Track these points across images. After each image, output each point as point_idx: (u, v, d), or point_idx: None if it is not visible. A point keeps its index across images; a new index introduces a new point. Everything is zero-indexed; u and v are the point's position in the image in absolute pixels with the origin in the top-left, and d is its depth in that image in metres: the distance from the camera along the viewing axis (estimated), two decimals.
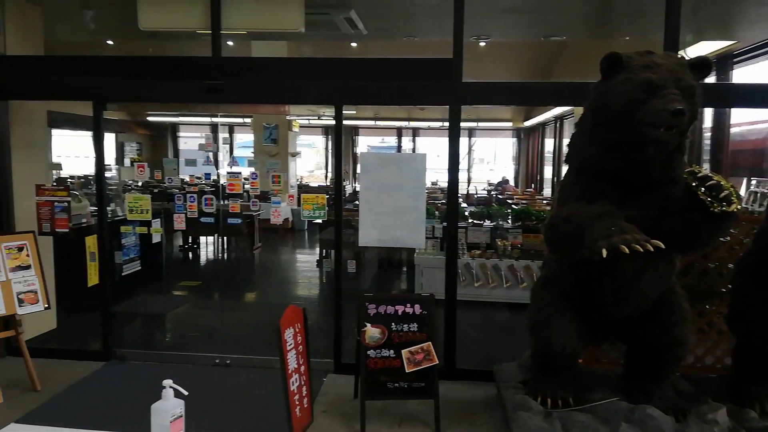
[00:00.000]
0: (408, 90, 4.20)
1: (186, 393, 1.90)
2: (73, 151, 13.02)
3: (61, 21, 5.69)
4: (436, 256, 6.15)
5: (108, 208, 5.00)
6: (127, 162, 13.65)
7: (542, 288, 3.32)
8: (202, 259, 9.10)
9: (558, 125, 12.10)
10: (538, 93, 4.40)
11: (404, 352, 3.44)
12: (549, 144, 13.31)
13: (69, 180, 9.95)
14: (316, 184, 14.82)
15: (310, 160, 19.17)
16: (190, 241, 9.04)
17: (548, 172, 13.36)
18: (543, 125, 13.79)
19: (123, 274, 5.14)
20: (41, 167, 5.12)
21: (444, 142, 4.18)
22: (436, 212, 7.09)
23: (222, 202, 4.81)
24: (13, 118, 4.64)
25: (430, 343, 3.50)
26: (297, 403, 2.69)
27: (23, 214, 4.67)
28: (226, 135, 15.43)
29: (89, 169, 13.52)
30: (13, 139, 4.65)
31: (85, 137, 13.56)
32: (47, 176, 5.31)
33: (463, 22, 4.04)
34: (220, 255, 8.87)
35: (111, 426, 1.89)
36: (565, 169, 3.10)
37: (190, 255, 9.03)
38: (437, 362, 3.46)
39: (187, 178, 8.40)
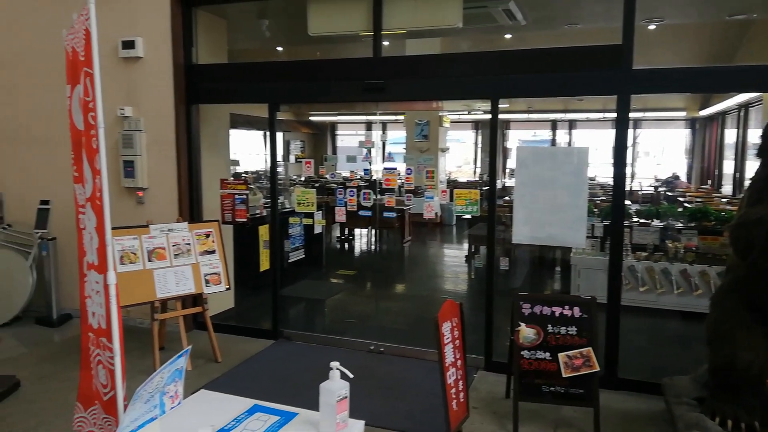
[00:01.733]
0: (571, 80, 4.00)
1: (351, 376, 2.01)
2: (244, 149, 14.46)
3: (239, 31, 6.33)
4: (596, 257, 5.79)
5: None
6: (291, 158, 14.84)
7: (724, 297, 2.97)
8: (357, 250, 9.58)
9: (742, 114, 10.65)
10: (723, 79, 3.92)
11: (561, 356, 3.30)
12: (730, 135, 11.78)
13: (242, 175, 11.10)
14: (464, 179, 14.76)
15: (458, 156, 19.14)
16: (346, 232, 9.57)
17: (729, 167, 11.84)
18: (723, 114, 12.24)
19: (289, 261, 5.62)
20: (224, 164, 5.76)
21: (604, 134, 3.92)
22: (595, 210, 6.66)
23: (377, 197, 5.00)
24: (202, 120, 5.28)
25: (590, 348, 3.31)
26: (453, 396, 2.72)
27: (209, 205, 5.29)
28: (380, 132, 16.05)
29: (259, 165, 14.93)
30: (202, 139, 5.28)
31: (256, 136, 14.99)
32: (228, 172, 5.96)
33: (634, 4, 3.74)
34: (372, 247, 9.26)
35: (279, 399, 2.10)
36: (754, 164, 2.72)
37: (346, 246, 9.55)
38: (598, 369, 3.26)
39: (346, 174, 8.91)
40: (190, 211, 5.14)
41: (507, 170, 13.39)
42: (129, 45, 4.93)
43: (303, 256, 5.83)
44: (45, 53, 5.31)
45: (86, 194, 2.40)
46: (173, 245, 4.44)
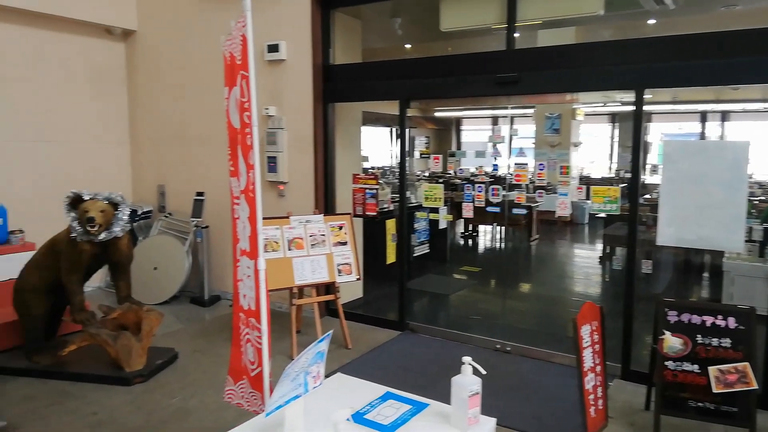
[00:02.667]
0: (731, 67, 3.61)
1: (484, 372, 2.00)
2: (371, 145, 14.89)
3: (372, 31, 6.53)
4: (754, 263, 5.18)
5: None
6: (416, 154, 15.01)
7: None
8: (481, 246, 9.46)
9: None
10: None
11: (712, 370, 3.01)
12: None
13: (369, 170, 11.44)
14: (598, 176, 13.92)
15: (590, 150, 18.09)
16: (470, 228, 9.49)
17: None
18: None
19: (414, 255, 5.70)
20: (356, 160, 6.00)
21: (764, 126, 3.46)
22: (753, 210, 5.95)
23: (506, 193, 4.91)
24: (337, 117, 5.53)
25: (747, 363, 2.98)
26: (592, 402, 2.60)
27: (341, 198, 5.54)
28: (508, 126, 15.66)
29: (384, 160, 15.28)
30: (337, 136, 5.54)
31: (382, 133, 15.34)
32: (359, 167, 6.19)
33: None
34: (498, 244, 9.09)
35: (406, 388, 2.16)
36: None
37: (470, 242, 9.47)
38: (756, 387, 2.93)
39: (473, 169, 8.82)
40: (325, 204, 5.42)
41: (647, 166, 12.40)
42: (273, 49, 5.30)
43: (428, 250, 5.89)
44: (204, 58, 5.89)
45: (241, 187, 2.62)
46: (310, 236, 4.71)
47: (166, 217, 6.29)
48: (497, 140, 4.93)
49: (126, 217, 4.02)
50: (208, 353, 4.53)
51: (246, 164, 2.56)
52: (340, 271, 4.73)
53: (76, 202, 3.90)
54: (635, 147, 3.98)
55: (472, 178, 5.85)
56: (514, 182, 4.75)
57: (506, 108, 4.79)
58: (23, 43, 5.65)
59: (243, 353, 2.64)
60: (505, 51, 4.45)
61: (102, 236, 3.90)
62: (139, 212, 6.31)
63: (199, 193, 5.89)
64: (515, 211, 4.91)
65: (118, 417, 3.45)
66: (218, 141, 5.84)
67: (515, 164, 4.66)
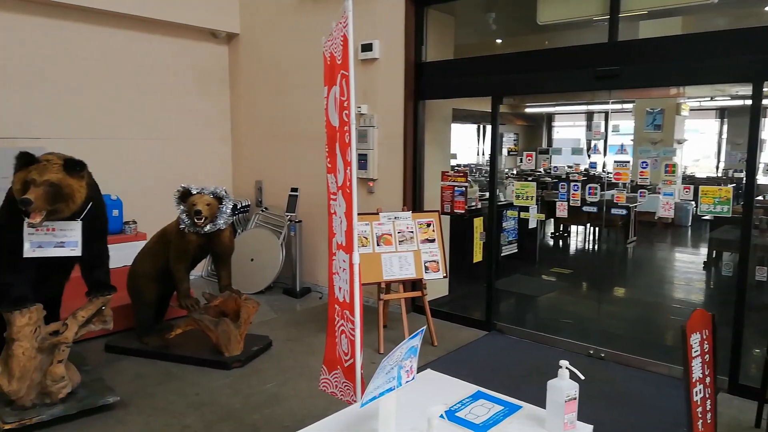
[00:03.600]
0: None
1: (582, 377, 1.94)
2: (458, 142, 14.76)
3: (464, 27, 6.46)
4: None
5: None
6: (504, 151, 14.71)
7: None
8: (572, 248, 9.12)
9: None
10: None
11: None
12: None
13: (455, 168, 11.35)
14: (703, 175, 12.97)
15: (695, 148, 16.86)
16: (561, 229, 9.17)
17: None
18: None
19: (502, 254, 5.60)
20: (444, 157, 5.98)
21: None
22: None
23: (604, 192, 4.69)
24: (427, 115, 5.54)
25: None
26: (700, 416, 2.44)
27: (429, 195, 5.55)
28: (602, 122, 14.95)
29: (471, 158, 15.09)
30: (426, 134, 5.55)
31: (468, 130, 15.16)
32: (448, 165, 6.17)
33: None
34: (591, 246, 8.72)
35: (493, 389, 2.15)
36: None
37: (561, 243, 9.16)
38: None
39: (560, 166, 8.51)
40: (413, 201, 5.45)
41: (761, 165, 11.38)
42: (367, 48, 5.39)
43: (516, 250, 5.76)
44: (301, 58, 6.11)
45: (338, 183, 2.71)
46: (398, 232, 4.76)
47: (263, 211, 6.60)
48: (596, 137, 4.73)
49: (229, 211, 4.26)
50: (300, 342, 4.70)
51: (344, 161, 2.63)
52: (427, 268, 4.75)
53: (185, 196, 4.19)
54: (751, 145, 3.67)
55: (565, 176, 5.66)
56: (613, 181, 4.53)
57: (605, 103, 4.57)
58: (136, 48, 6.13)
59: (337, 344, 2.73)
60: (605, 44, 4.26)
61: (207, 228, 4.16)
62: (239, 206, 6.66)
63: (294, 189, 6.12)
64: (614, 211, 4.68)
65: (218, 399, 3.67)
66: (312, 139, 6.05)
67: (615, 162, 4.44)
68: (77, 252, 3.43)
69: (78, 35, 5.65)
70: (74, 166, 3.27)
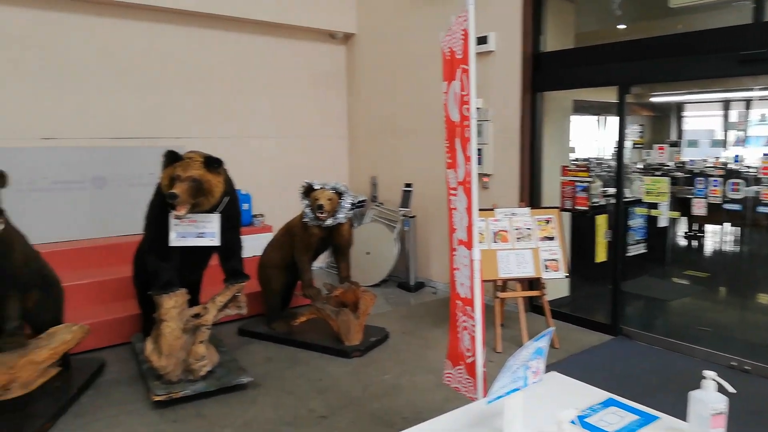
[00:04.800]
0: None
1: (733, 390, 1.78)
2: (575, 135, 14.04)
3: (585, 13, 6.13)
4: None
5: (612, 189, 5.16)
6: (628, 144, 13.78)
7: None
8: (708, 248, 8.33)
9: None
10: None
11: None
12: None
13: (573, 162, 10.80)
14: None
15: None
16: (695, 228, 8.40)
17: None
18: None
19: (628, 254, 5.25)
20: (564, 151, 5.73)
21: None
22: None
23: (748, 189, 4.24)
24: (546, 107, 5.34)
25: None
26: None
27: (548, 191, 5.35)
28: (740, 111, 13.52)
29: (590, 151, 14.29)
30: (544, 127, 5.35)
31: (587, 122, 14.36)
32: (568, 159, 5.90)
33: None
34: (732, 247, 7.92)
35: (621, 395, 2.04)
36: None
37: (695, 243, 8.40)
38: None
39: (707, 160, 7.80)
40: (530, 197, 5.29)
41: None
42: (482, 41, 5.31)
43: (644, 250, 5.38)
44: (416, 55, 6.17)
45: (459, 178, 2.70)
46: (515, 229, 4.65)
47: (378, 206, 6.75)
48: (740, 127, 4.28)
49: (348, 205, 4.42)
50: (416, 335, 4.76)
51: (464, 156, 2.62)
52: (546, 267, 4.58)
53: (308, 191, 4.40)
54: None
55: (704, 170, 5.17)
56: (760, 175, 4.08)
57: (748, 89, 4.12)
58: (261, 52, 6.53)
59: (460, 340, 2.73)
60: (751, 25, 3.83)
61: (329, 222, 4.34)
62: (356, 201, 6.87)
63: (408, 185, 6.19)
64: (759, 209, 4.21)
65: (340, 385, 3.83)
66: (427, 135, 6.08)
67: (765, 155, 3.98)
68: (215, 242, 3.75)
69: (211, 42, 6.14)
70: (213, 163, 3.56)
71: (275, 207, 6.26)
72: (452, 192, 2.81)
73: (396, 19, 6.44)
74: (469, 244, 2.58)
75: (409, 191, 6.16)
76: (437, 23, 5.77)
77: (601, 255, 5.03)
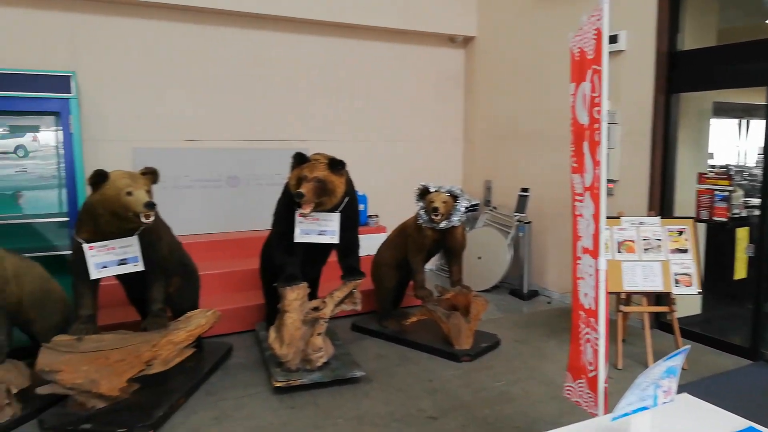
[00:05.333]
0: None
1: None
2: (717, 140, 12.82)
3: (728, 9, 5.60)
4: None
5: (756, 200, 4.65)
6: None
7: None
8: None
9: None
10: None
11: None
12: None
13: (711, 169, 9.87)
14: None
15: None
16: None
17: None
18: None
19: None
20: (701, 157, 5.28)
21: None
22: None
23: None
24: (682, 109, 4.95)
25: None
26: None
27: (681, 200, 4.95)
28: None
29: (733, 158, 12.99)
30: (680, 130, 4.96)
31: (731, 125, 13.06)
32: (705, 165, 5.43)
33: None
34: None
35: (765, 425, 1.85)
36: None
37: None
38: None
39: None
40: (661, 205, 4.93)
41: None
42: (612, 40, 5.02)
43: None
44: (538, 57, 6.01)
45: (585, 183, 2.59)
46: (643, 239, 4.36)
47: (491, 210, 6.65)
48: None
49: (463, 209, 4.41)
50: (528, 345, 4.63)
51: (593, 160, 2.51)
52: (677, 282, 4.25)
53: (423, 194, 4.45)
54: None
55: None
56: None
57: None
58: (383, 57, 6.71)
59: (582, 352, 2.62)
60: None
61: (443, 224, 4.36)
62: (470, 205, 6.83)
63: (524, 189, 6.04)
64: None
65: (450, 388, 3.82)
66: (547, 138, 5.89)
67: None
68: (335, 240, 3.91)
69: (335, 50, 6.42)
70: (336, 165, 3.72)
71: (389, 208, 6.39)
72: (578, 198, 2.71)
73: (519, 21, 6.31)
74: (594, 253, 2.47)
75: (526, 196, 6.00)
76: (562, 23, 5.58)
77: (740, 271, 4.57)
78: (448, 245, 4.63)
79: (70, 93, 4.43)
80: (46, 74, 4.42)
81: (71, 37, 5.21)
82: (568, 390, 2.78)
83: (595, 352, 2.45)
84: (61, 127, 4.59)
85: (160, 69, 5.62)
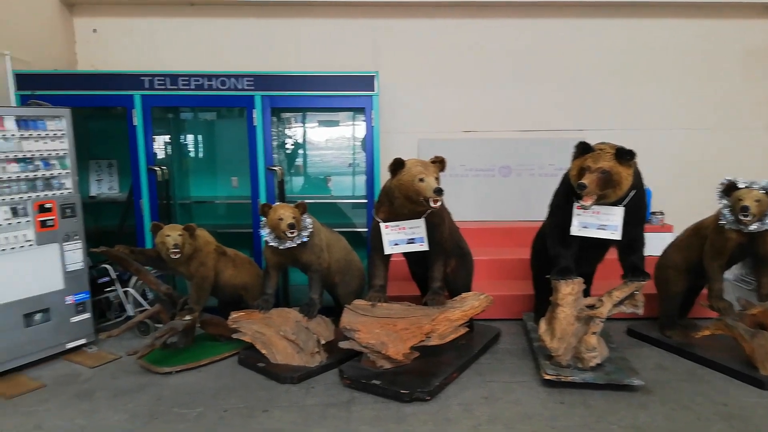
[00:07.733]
0: None
1: None
2: None
3: None
4: None
5: None
6: None
7: None
8: None
9: None
10: None
11: None
12: None
13: None
14: None
15: None
16: None
17: None
18: None
19: None
20: None
21: None
22: None
23: None
24: None
25: None
26: None
27: None
28: None
29: None
30: None
31: None
32: None
33: None
34: None
35: None
36: None
37: None
38: None
39: None
40: None
41: None
42: None
43: None
44: None
45: None
46: None
47: None
48: None
49: None
50: None
51: None
52: None
53: (729, 190, 3.84)
54: None
55: None
56: None
57: None
58: (672, 36, 5.97)
59: None
60: None
61: (753, 227, 3.71)
62: None
63: None
64: None
65: (749, 417, 3.27)
66: None
67: None
68: (617, 236, 3.67)
69: (614, 32, 5.97)
70: (625, 155, 3.47)
71: (676, 205, 5.70)
72: None
73: None
74: None
75: None
76: None
77: None
78: (758, 252, 3.91)
79: (373, 91, 5.04)
80: (354, 75, 5.09)
81: (373, 40, 5.92)
82: None
83: None
84: (362, 122, 5.27)
85: (443, 65, 6.00)
